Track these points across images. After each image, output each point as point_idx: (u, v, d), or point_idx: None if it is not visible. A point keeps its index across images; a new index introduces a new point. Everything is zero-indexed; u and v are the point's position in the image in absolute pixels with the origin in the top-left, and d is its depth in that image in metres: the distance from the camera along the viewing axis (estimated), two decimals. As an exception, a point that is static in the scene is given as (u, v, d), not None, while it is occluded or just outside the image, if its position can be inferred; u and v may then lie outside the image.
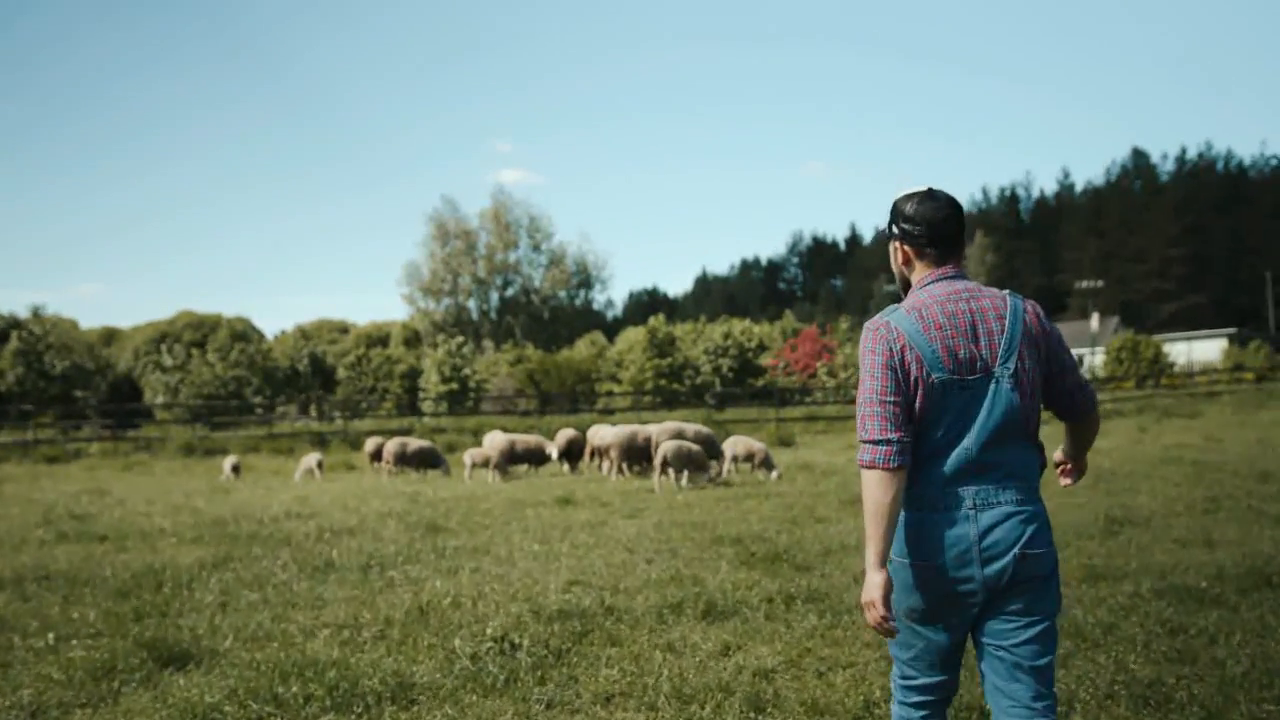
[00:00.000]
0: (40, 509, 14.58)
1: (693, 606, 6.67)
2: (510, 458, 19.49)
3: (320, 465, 21.48)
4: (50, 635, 6.32)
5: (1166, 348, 52.03)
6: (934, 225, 3.11)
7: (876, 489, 2.94)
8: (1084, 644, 5.63)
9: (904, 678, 3.21)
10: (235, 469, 21.61)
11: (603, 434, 18.49)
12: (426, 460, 20.91)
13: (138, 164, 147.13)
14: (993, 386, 2.97)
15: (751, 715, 4.68)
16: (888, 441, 2.94)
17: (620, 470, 17.96)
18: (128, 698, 5.14)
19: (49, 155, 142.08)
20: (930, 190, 3.17)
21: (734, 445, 16.91)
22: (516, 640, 5.73)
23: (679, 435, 17.44)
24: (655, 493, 15.03)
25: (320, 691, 4.92)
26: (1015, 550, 2.92)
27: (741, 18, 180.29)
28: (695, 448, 15.87)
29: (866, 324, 3.13)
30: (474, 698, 4.98)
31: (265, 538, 10.80)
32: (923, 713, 3.18)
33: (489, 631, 5.87)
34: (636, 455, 17.92)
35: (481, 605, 6.94)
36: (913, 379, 2.98)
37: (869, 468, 2.96)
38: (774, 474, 16.42)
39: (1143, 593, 6.76)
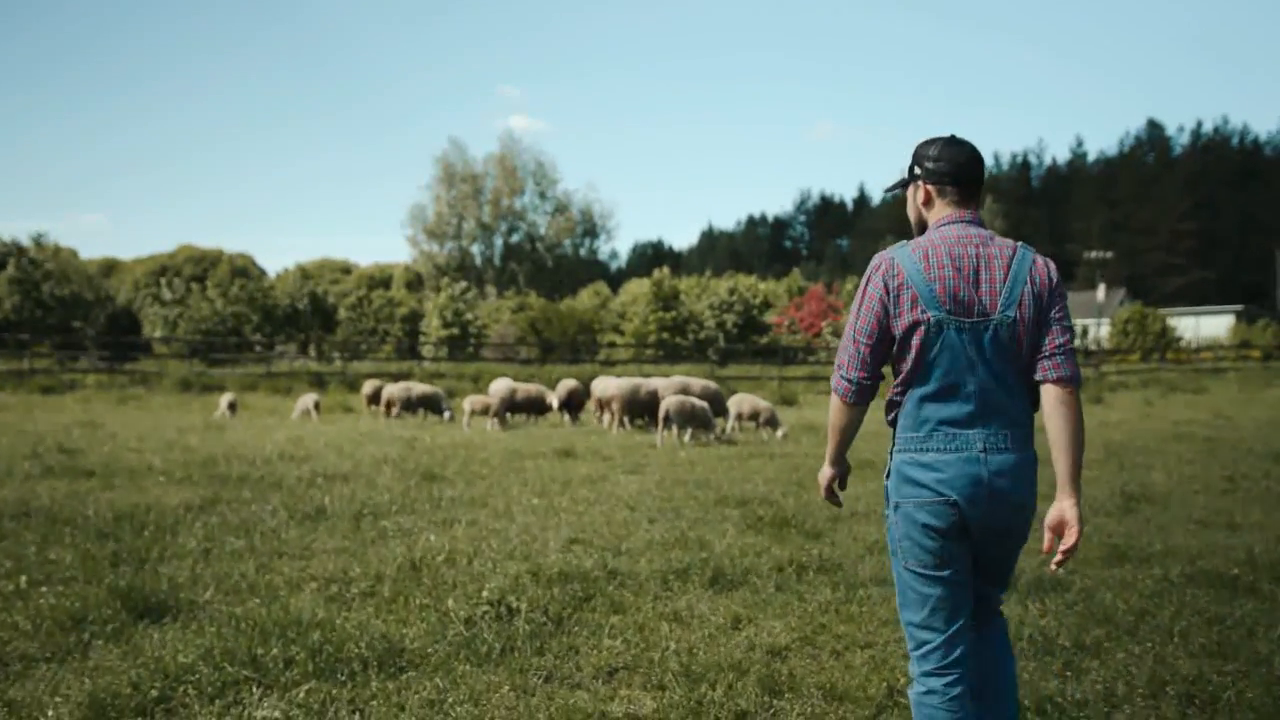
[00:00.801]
0: (30, 441, 14.25)
1: (699, 573, 6.33)
2: (510, 406, 19.14)
3: (317, 406, 21.19)
4: (22, 579, 5.97)
5: (1173, 322, 51.71)
6: (958, 164, 3.22)
7: (836, 414, 3.28)
8: (1117, 632, 5.29)
9: (920, 645, 3.19)
10: (232, 406, 21.29)
11: (606, 385, 18.14)
12: (430, 405, 20.59)
13: (145, 98, 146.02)
14: (990, 332, 3.05)
15: (766, 699, 4.34)
16: (850, 380, 3.17)
17: (622, 423, 17.64)
18: (97, 652, 4.78)
19: (56, 86, 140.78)
20: (952, 136, 3.29)
21: (739, 403, 16.56)
22: (514, 604, 5.37)
23: (684, 390, 17.11)
24: (657, 448, 14.73)
25: (302, 655, 4.57)
26: (1017, 498, 3.08)
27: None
28: (700, 403, 15.52)
29: (876, 255, 3.21)
30: (467, 667, 4.63)
31: (256, 480, 10.47)
32: (948, 677, 3.13)
33: (485, 594, 5.51)
34: (639, 409, 17.59)
35: (478, 563, 6.59)
36: (906, 316, 3.08)
37: (834, 393, 3.26)
38: (779, 433, 16.10)
39: (1172, 578, 6.43)
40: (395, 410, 20.47)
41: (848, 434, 3.29)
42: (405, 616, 5.36)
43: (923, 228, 3.29)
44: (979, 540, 3.12)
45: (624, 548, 7.30)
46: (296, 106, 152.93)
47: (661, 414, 15.45)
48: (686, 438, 15.50)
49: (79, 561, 6.44)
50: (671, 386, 17.45)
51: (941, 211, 3.23)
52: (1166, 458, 13.38)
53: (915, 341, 3.08)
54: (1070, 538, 3.06)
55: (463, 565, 6.53)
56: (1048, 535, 3.15)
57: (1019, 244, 3.14)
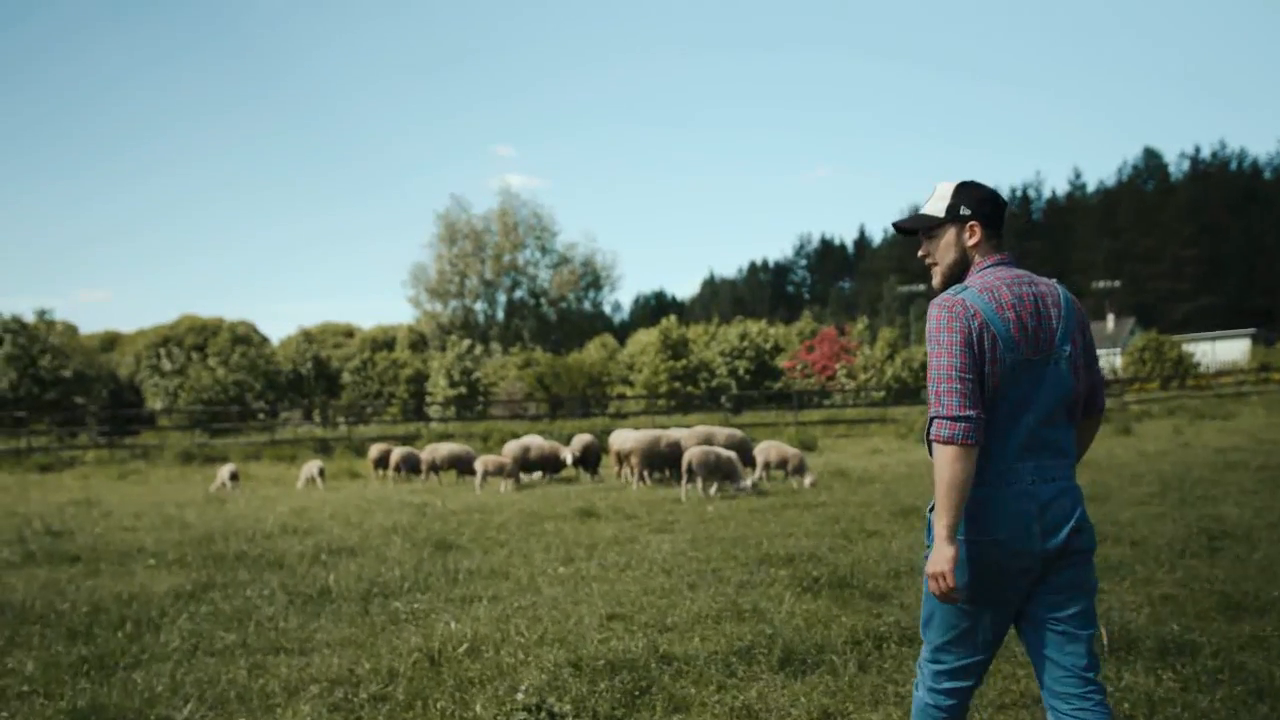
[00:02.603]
0: (17, 524, 13.38)
1: (765, 653, 5.43)
2: (524, 464, 18.23)
3: (322, 473, 20.36)
4: (-30, 696, 5.09)
5: (1189, 348, 50.92)
6: (1000, 207, 3.28)
7: (954, 465, 2.97)
8: (1284, 709, 4.40)
9: (937, 663, 3.21)
10: (233, 477, 20.41)
11: (624, 438, 17.23)
12: (461, 465, 19.80)
13: (141, 169, 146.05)
14: (1052, 367, 3.08)
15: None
16: (966, 418, 2.97)
17: (642, 477, 16.74)
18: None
19: (51, 160, 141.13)
20: (974, 180, 3.32)
21: (766, 451, 15.64)
22: (556, 708, 4.44)
23: (709, 440, 16.21)
24: (682, 502, 13.84)
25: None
26: (1071, 523, 3.05)
27: (744, 23, 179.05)
28: (725, 453, 14.63)
29: (937, 300, 3.14)
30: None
31: (254, 559, 9.58)
32: (952, 701, 3.20)
33: (520, 696, 4.60)
34: (660, 461, 16.69)
35: (506, 651, 5.67)
36: (986, 356, 3.04)
37: (946, 443, 2.98)
38: (809, 481, 15.20)
39: (1311, 632, 5.54)
40: (424, 473, 19.90)
41: (966, 489, 2.98)
42: (425, 728, 4.47)
43: (962, 269, 3.28)
44: (1036, 574, 3.08)
45: (669, 622, 6.40)
46: (290, 173, 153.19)
47: (685, 466, 14.57)
48: (712, 490, 14.60)
49: (41, 670, 5.54)
50: (695, 437, 16.54)
51: (984, 254, 3.25)
52: (1227, 489, 12.48)
53: (989, 383, 3.05)
54: None
55: (489, 655, 5.60)
56: None
57: (1055, 281, 3.23)
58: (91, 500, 17.45)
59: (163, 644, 6.15)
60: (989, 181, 3.33)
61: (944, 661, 3.20)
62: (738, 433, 17.27)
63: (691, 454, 14.50)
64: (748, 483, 14.69)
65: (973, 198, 3.27)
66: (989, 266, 3.21)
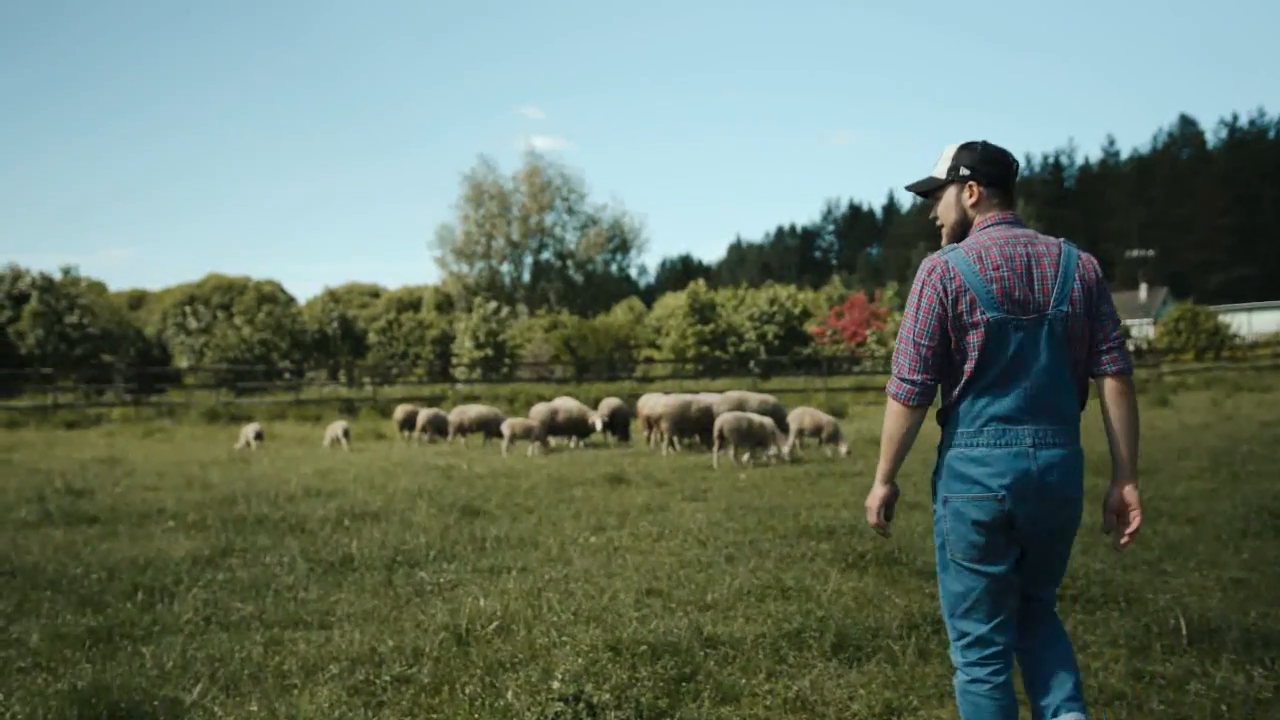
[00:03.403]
0: (39, 481, 13.17)
1: (816, 638, 5.04)
2: (552, 428, 17.88)
3: (347, 434, 20.09)
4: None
5: (1225, 318, 50.04)
6: (1005, 166, 3.29)
7: (895, 420, 3.20)
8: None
9: (962, 636, 3.24)
10: (258, 436, 20.18)
11: (654, 403, 16.85)
12: (488, 428, 19.58)
13: (168, 128, 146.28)
14: (1045, 328, 3.08)
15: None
16: (912, 382, 3.13)
17: (671, 443, 16.38)
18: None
19: (79, 118, 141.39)
20: (984, 141, 3.34)
21: (800, 418, 15.22)
22: (595, 699, 4.06)
23: (741, 406, 15.81)
24: (714, 469, 13.49)
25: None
26: (1065, 492, 3.09)
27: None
28: (759, 420, 14.23)
29: (925, 260, 3.20)
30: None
31: (276, 523, 9.28)
32: (990, 670, 3.18)
33: (556, 684, 4.21)
34: (690, 427, 16.32)
35: (538, 630, 5.32)
36: (965, 319, 3.09)
37: (893, 399, 3.19)
38: (844, 449, 14.81)
39: None
40: (450, 435, 19.74)
41: (905, 443, 3.22)
42: (452, 715, 4.12)
43: (964, 228, 3.32)
44: (1027, 535, 3.14)
45: (710, 599, 6.04)
46: (319, 135, 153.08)
47: (717, 432, 14.19)
48: (745, 458, 14.23)
49: (46, 643, 5.23)
50: (727, 402, 16.14)
51: (988, 212, 3.27)
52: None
53: (974, 343, 3.10)
54: (1135, 520, 3.20)
55: (520, 635, 5.23)
56: (1107, 517, 3.27)
57: (1062, 240, 3.21)
58: (116, 458, 17.28)
59: (175, 615, 5.80)
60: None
61: (969, 632, 3.23)
62: (770, 399, 16.85)
63: (724, 420, 14.12)
64: (783, 450, 14.30)
65: (972, 157, 3.30)
66: (989, 226, 3.24)
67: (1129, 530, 3.20)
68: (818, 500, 10.31)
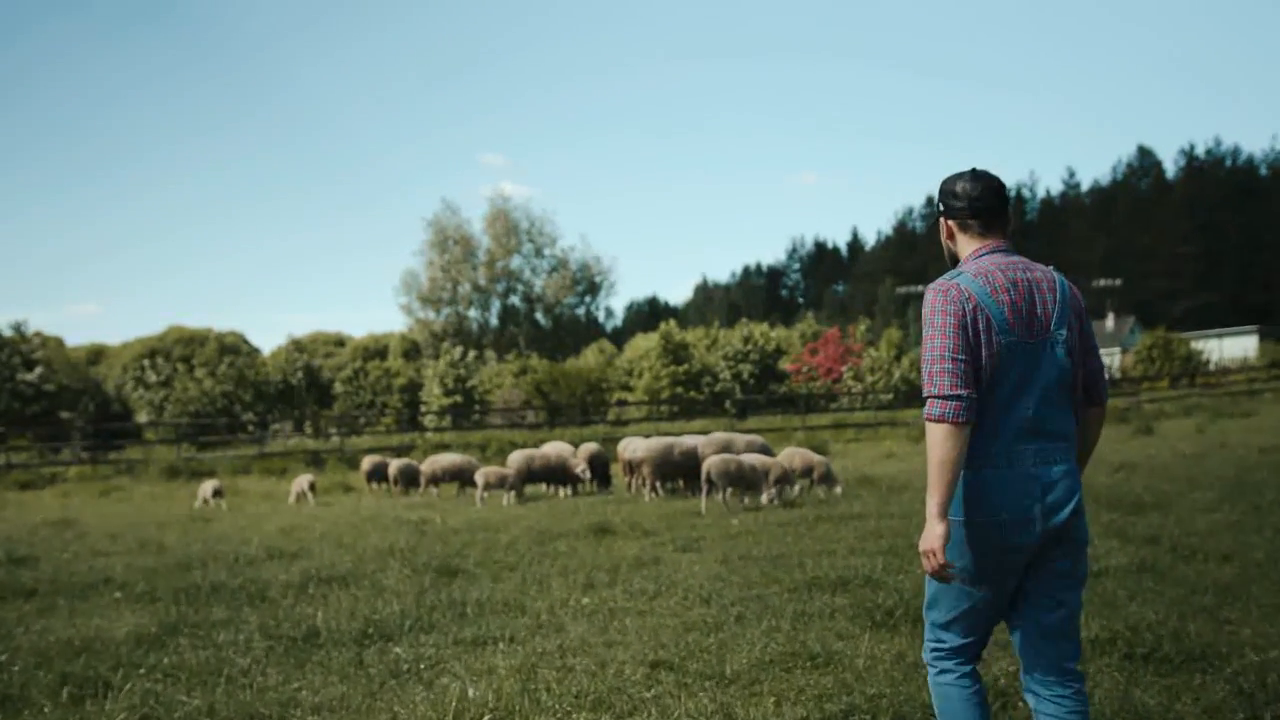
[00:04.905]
0: (-21, 549, 12.22)
1: (865, 717, 4.31)
2: (528, 476, 17.05)
3: (313, 487, 19.22)
4: None
5: (1196, 345, 50.13)
6: (974, 199, 3.28)
7: (946, 443, 3.03)
8: None
9: (939, 642, 3.31)
10: (217, 493, 19.25)
11: (634, 446, 16.08)
12: (462, 477, 18.76)
13: (129, 182, 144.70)
14: (1047, 350, 3.13)
15: None
16: (957, 397, 3.03)
17: (654, 489, 15.61)
18: None
19: (40, 173, 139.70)
20: (974, 170, 3.34)
21: (790, 458, 14.50)
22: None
23: (727, 447, 15.07)
24: (703, 516, 12.74)
25: None
26: (1071, 505, 3.11)
27: (729, 31, 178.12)
28: (749, 461, 13.51)
29: (933, 285, 3.20)
30: None
31: (233, 591, 8.43)
32: (958, 659, 3.28)
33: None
34: (673, 470, 15.58)
35: (537, 722, 4.53)
36: (981, 339, 3.09)
37: (938, 421, 3.04)
38: (838, 489, 14.11)
39: None
40: (424, 486, 18.97)
41: (958, 467, 3.05)
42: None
43: (953, 259, 3.36)
44: (1030, 554, 3.13)
45: (729, 671, 5.28)
46: (281, 185, 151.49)
47: (705, 476, 13.46)
48: (729, 500, 13.48)
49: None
50: (711, 444, 15.39)
51: (969, 244, 3.30)
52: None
53: (985, 365, 3.09)
54: None
55: (517, 729, 4.46)
56: None
57: (1052, 267, 3.26)
58: (68, 520, 16.35)
59: (108, 714, 4.96)
60: None
61: (946, 641, 3.29)
62: (758, 439, 16.14)
63: (711, 463, 13.39)
64: (792, 491, 13.65)
65: (945, 193, 3.36)
66: (983, 255, 3.25)
67: None
68: (820, 548, 9.59)
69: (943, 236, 3.40)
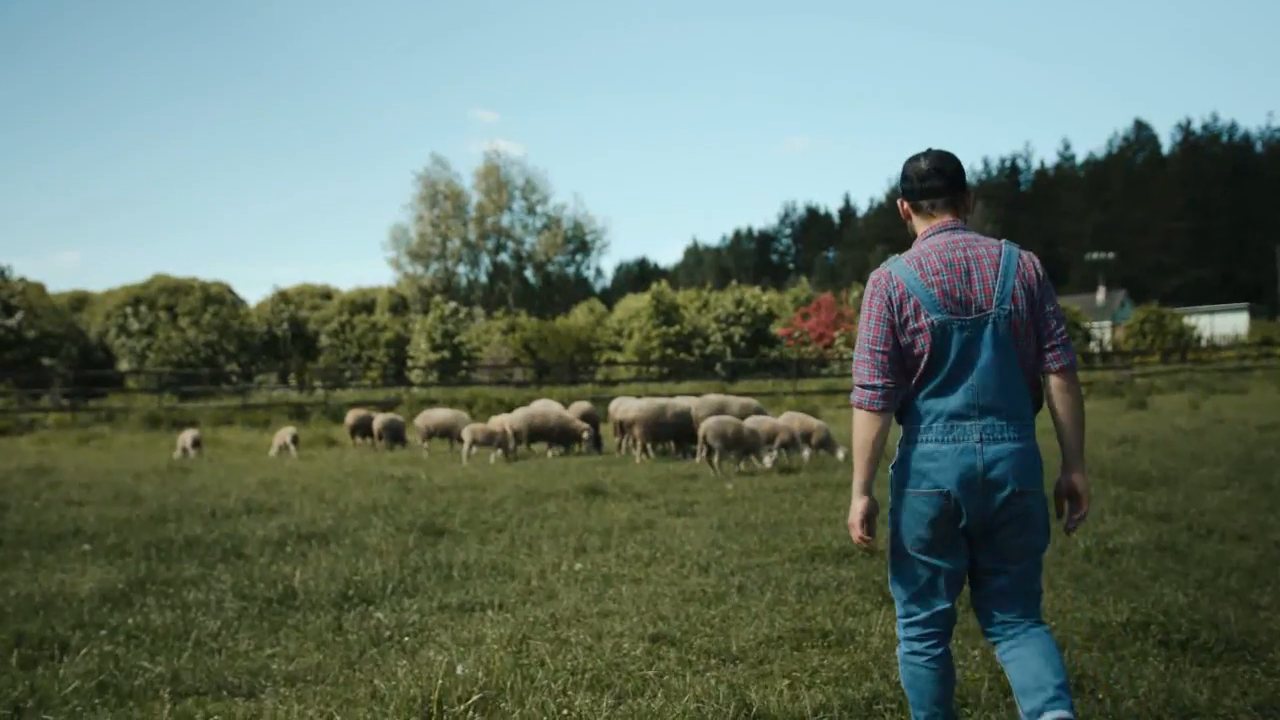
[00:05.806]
0: (-52, 496, 11.80)
1: (894, 710, 3.94)
2: (529, 437, 16.63)
3: (295, 440, 18.84)
4: None
5: (1188, 320, 49.99)
6: (921, 179, 3.35)
7: (863, 427, 3.24)
8: None
9: (908, 616, 3.37)
10: (196, 444, 18.83)
11: (626, 407, 15.68)
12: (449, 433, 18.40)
13: (119, 134, 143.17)
14: (989, 327, 3.16)
15: None
16: (874, 387, 3.22)
17: (645, 450, 15.24)
18: None
19: (31, 124, 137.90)
20: (929, 150, 3.39)
21: (788, 422, 14.13)
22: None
23: (722, 409, 14.69)
24: (697, 480, 12.36)
25: None
26: (1013, 485, 3.13)
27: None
28: (748, 425, 13.13)
29: (872, 273, 3.31)
30: None
31: (208, 546, 8.04)
32: (929, 642, 3.32)
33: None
34: (665, 432, 15.20)
35: (533, 703, 4.12)
36: (911, 324, 3.19)
37: (857, 407, 3.26)
38: (840, 454, 13.78)
39: None
40: (423, 439, 18.58)
41: (877, 450, 3.23)
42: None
43: (913, 237, 3.43)
44: (976, 528, 3.19)
45: (735, 648, 4.91)
46: (271, 135, 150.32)
47: (701, 437, 13.08)
48: (721, 464, 13.12)
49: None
50: (706, 406, 15.01)
51: (922, 224, 3.38)
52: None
53: (922, 345, 3.18)
54: (1083, 506, 3.29)
55: (511, 712, 4.05)
56: (1059, 502, 3.34)
57: (1004, 241, 3.27)
58: (44, 468, 15.93)
59: (61, 680, 4.54)
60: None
61: (915, 614, 3.33)
62: (753, 402, 15.74)
63: (707, 425, 13.01)
64: (801, 456, 13.34)
65: (901, 175, 3.42)
66: (930, 235, 3.31)
67: (1077, 515, 3.30)
68: (820, 515, 9.24)
69: (903, 217, 3.48)
